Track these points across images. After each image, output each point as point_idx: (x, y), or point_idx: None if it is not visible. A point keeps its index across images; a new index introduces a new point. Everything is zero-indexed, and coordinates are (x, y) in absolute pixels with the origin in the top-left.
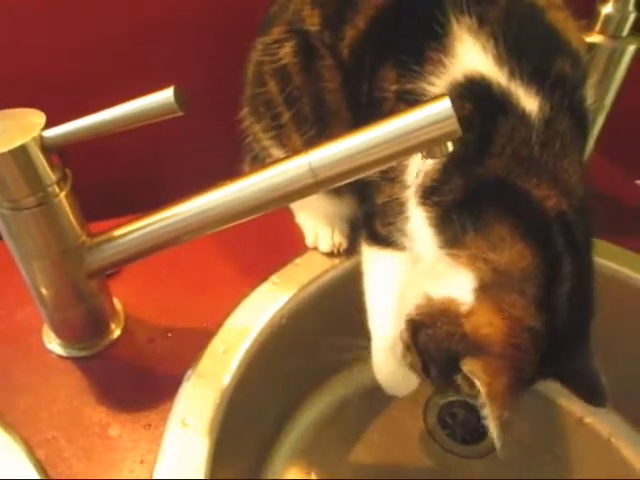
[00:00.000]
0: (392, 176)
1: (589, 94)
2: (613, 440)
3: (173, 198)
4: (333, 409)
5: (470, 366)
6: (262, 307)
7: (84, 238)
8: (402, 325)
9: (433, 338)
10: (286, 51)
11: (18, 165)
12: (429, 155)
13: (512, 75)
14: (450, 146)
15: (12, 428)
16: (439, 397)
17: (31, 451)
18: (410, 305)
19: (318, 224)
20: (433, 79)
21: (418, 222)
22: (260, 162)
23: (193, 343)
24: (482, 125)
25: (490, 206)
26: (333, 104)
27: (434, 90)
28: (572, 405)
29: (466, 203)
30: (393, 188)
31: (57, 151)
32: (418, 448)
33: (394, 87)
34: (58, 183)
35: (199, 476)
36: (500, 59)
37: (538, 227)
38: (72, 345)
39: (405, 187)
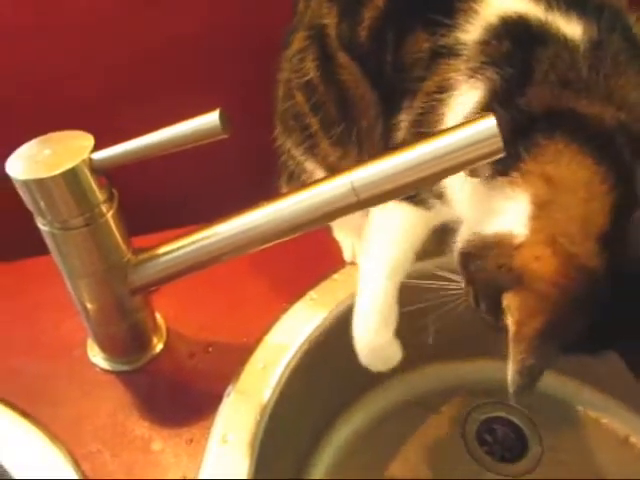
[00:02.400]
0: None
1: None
2: None
3: (209, 213)
4: (369, 425)
5: (508, 300)
6: (300, 323)
7: (129, 256)
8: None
9: (482, 269)
10: (309, 65)
11: (68, 187)
12: (472, 174)
13: (549, 7)
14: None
15: (58, 440)
16: (477, 413)
17: (77, 464)
18: (461, 243)
19: (356, 239)
20: (467, 26)
21: None
22: (296, 179)
23: (233, 358)
24: (521, 58)
25: (540, 130)
26: (356, 92)
27: (469, 37)
28: (616, 423)
29: (514, 133)
30: None
31: (105, 172)
32: (455, 466)
33: (427, 45)
34: (105, 203)
35: None
36: None
37: (598, 138)
38: (115, 359)
39: None
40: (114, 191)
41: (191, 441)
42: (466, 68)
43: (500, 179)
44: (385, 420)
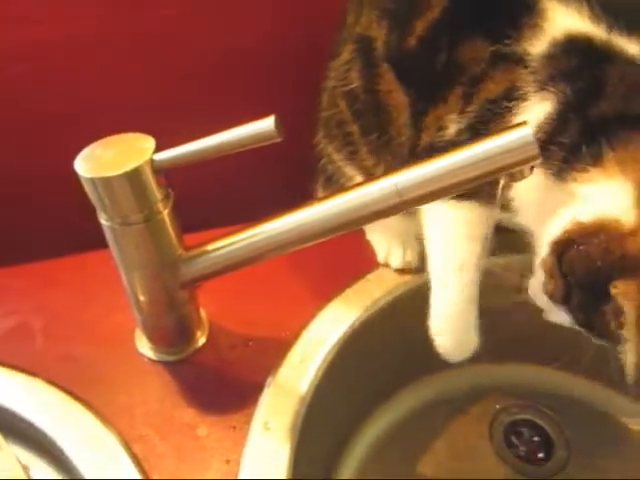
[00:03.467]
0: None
1: None
2: None
3: (252, 212)
4: (400, 422)
5: (623, 287)
6: (336, 319)
7: (181, 251)
8: (545, 250)
9: (585, 256)
10: (354, 75)
11: (131, 185)
12: (511, 179)
13: (611, 29)
14: (528, 170)
15: (110, 423)
16: (505, 415)
17: (127, 446)
18: (555, 233)
19: (390, 241)
20: (533, 40)
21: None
22: (333, 183)
23: (272, 352)
24: (590, 74)
25: (620, 128)
26: (390, 101)
27: (535, 50)
28: None
29: (592, 132)
30: None
31: (164, 173)
32: (483, 466)
33: (488, 50)
34: (162, 201)
35: (281, 476)
36: (595, 18)
37: None
38: (161, 350)
39: None
40: (170, 190)
41: (234, 428)
42: (534, 80)
43: (591, 169)
44: (415, 418)
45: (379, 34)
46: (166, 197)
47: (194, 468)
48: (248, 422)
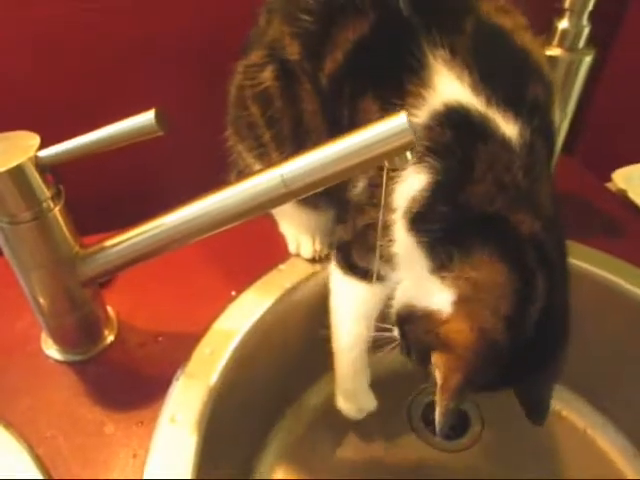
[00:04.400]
0: (376, 202)
1: (557, 114)
2: (589, 432)
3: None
4: (319, 409)
5: (435, 358)
6: (247, 311)
7: (77, 249)
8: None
9: (414, 331)
10: (266, 75)
11: (15, 183)
12: (390, 164)
13: (489, 102)
14: (409, 156)
15: (13, 427)
16: (422, 396)
17: (31, 448)
18: (398, 306)
19: (300, 234)
20: (414, 111)
21: (404, 246)
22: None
23: (182, 346)
24: (463, 152)
25: (472, 233)
26: (312, 124)
27: (416, 120)
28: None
29: (451, 230)
30: (378, 212)
31: (50, 170)
32: (403, 444)
33: (377, 115)
34: (52, 199)
35: (188, 468)
36: (476, 87)
37: (513, 248)
38: (68, 350)
39: (391, 210)
40: (61, 188)
41: (142, 423)
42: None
43: (437, 274)
44: (331, 407)
45: (293, 51)
46: (56, 195)
47: (100, 465)
48: (156, 417)
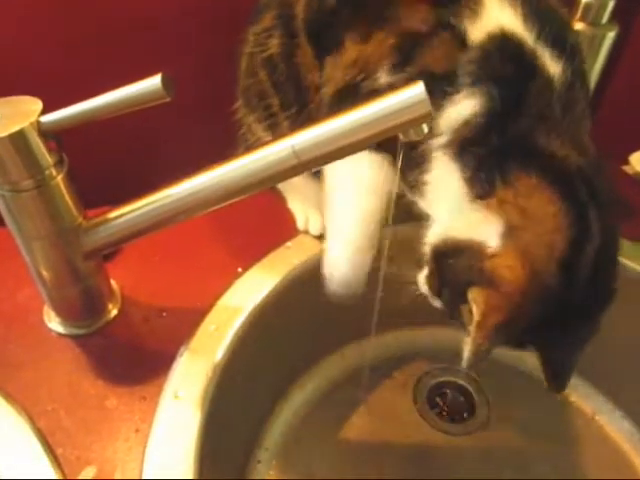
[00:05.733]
0: None
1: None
2: (597, 418)
3: None
4: (324, 389)
5: (475, 294)
6: (254, 288)
7: (80, 220)
8: (427, 253)
9: (453, 267)
10: (274, 42)
11: (17, 149)
12: (405, 136)
13: (538, 37)
14: (425, 128)
15: (14, 400)
16: (429, 378)
17: (32, 421)
18: (434, 239)
19: (309, 209)
20: (471, 24)
21: (442, 174)
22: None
23: (186, 322)
24: (517, 84)
25: (518, 161)
26: (308, 75)
27: (474, 37)
28: None
29: (497, 156)
30: None
31: (54, 137)
32: (408, 427)
33: (434, 10)
34: (55, 166)
35: (190, 444)
36: (527, 21)
37: (563, 178)
38: (71, 323)
39: (433, 136)
40: (64, 156)
41: (144, 398)
42: (470, 72)
43: (479, 202)
44: (339, 385)
45: (299, 9)
46: (59, 163)
47: (101, 438)
48: (159, 392)
